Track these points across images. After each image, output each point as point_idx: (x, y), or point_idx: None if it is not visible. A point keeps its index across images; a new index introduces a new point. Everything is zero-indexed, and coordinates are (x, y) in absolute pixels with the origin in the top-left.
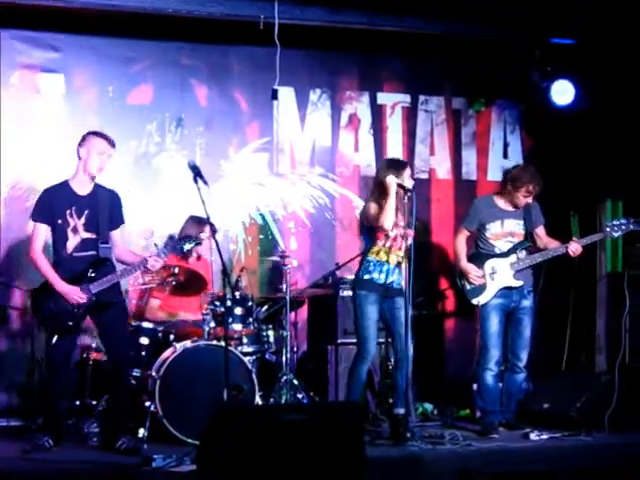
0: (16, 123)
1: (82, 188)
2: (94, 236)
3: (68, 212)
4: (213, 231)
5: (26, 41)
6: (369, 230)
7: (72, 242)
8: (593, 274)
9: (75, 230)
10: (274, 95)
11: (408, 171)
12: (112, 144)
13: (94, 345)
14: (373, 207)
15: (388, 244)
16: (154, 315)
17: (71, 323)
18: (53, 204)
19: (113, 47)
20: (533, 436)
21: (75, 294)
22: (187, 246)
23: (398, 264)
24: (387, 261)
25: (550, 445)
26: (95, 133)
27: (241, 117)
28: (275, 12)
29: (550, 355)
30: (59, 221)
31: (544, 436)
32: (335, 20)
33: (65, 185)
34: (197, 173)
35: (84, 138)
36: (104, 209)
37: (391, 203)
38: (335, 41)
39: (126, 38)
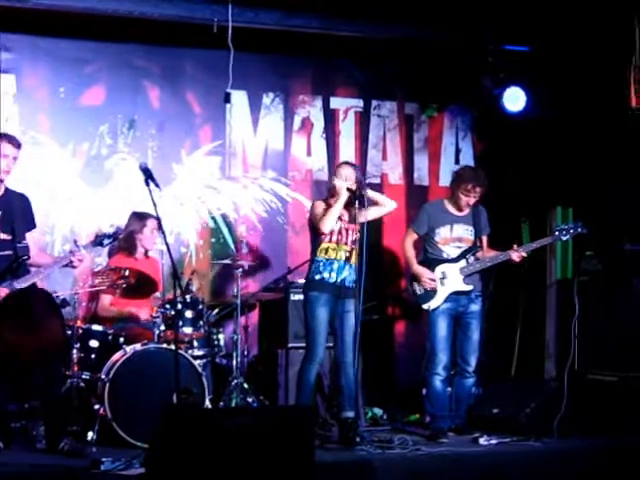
0: None
1: None
2: (9, 237)
3: None
4: (160, 226)
5: None
6: (314, 228)
7: None
8: (543, 280)
9: None
10: (227, 98)
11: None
12: (16, 145)
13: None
14: (320, 207)
15: (335, 238)
16: (106, 310)
17: None
18: None
19: (65, 48)
20: (482, 441)
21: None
22: (106, 241)
23: (347, 259)
24: (336, 258)
25: (499, 450)
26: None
27: (194, 120)
28: (229, 15)
29: (500, 360)
30: None
31: (493, 441)
32: (289, 24)
33: None
34: (149, 176)
35: None
36: (17, 211)
37: (336, 208)
38: (289, 45)
39: (78, 39)
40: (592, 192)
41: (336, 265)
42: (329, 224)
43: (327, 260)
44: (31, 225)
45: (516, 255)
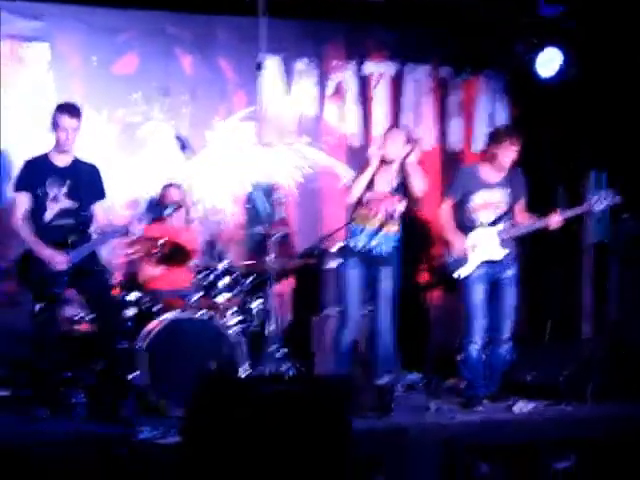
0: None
1: (61, 160)
2: (75, 206)
3: (48, 182)
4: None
5: (10, 10)
6: None
7: (51, 212)
8: (579, 243)
9: (55, 200)
10: (259, 66)
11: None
12: (73, 115)
13: (81, 316)
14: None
15: (364, 211)
16: (148, 275)
17: (55, 291)
18: (34, 175)
19: (98, 16)
20: (517, 408)
21: (57, 258)
22: (167, 211)
23: (380, 227)
24: (367, 225)
25: (534, 416)
26: (59, 108)
27: (227, 86)
28: None
29: (534, 325)
30: (39, 191)
31: (528, 407)
32: None
33: (45, 157)
34: (183, 143)
35: (53, 115)
36: (84, 182)
37: (364, 176)
38: (322, 10)
39: (111, 7)
40: (628, 156)
41: (365, 232)
42: (356, 191)
43: (356, 227)
44: (100, 196)
45: (555, 221)
